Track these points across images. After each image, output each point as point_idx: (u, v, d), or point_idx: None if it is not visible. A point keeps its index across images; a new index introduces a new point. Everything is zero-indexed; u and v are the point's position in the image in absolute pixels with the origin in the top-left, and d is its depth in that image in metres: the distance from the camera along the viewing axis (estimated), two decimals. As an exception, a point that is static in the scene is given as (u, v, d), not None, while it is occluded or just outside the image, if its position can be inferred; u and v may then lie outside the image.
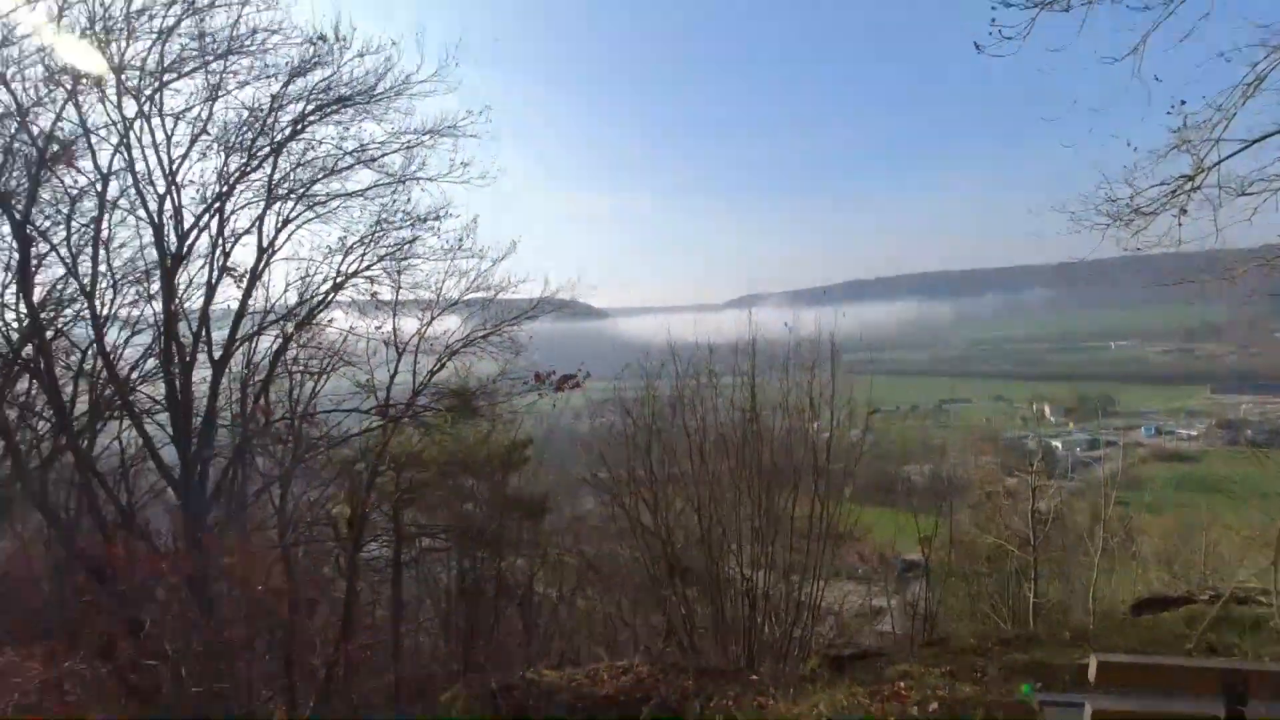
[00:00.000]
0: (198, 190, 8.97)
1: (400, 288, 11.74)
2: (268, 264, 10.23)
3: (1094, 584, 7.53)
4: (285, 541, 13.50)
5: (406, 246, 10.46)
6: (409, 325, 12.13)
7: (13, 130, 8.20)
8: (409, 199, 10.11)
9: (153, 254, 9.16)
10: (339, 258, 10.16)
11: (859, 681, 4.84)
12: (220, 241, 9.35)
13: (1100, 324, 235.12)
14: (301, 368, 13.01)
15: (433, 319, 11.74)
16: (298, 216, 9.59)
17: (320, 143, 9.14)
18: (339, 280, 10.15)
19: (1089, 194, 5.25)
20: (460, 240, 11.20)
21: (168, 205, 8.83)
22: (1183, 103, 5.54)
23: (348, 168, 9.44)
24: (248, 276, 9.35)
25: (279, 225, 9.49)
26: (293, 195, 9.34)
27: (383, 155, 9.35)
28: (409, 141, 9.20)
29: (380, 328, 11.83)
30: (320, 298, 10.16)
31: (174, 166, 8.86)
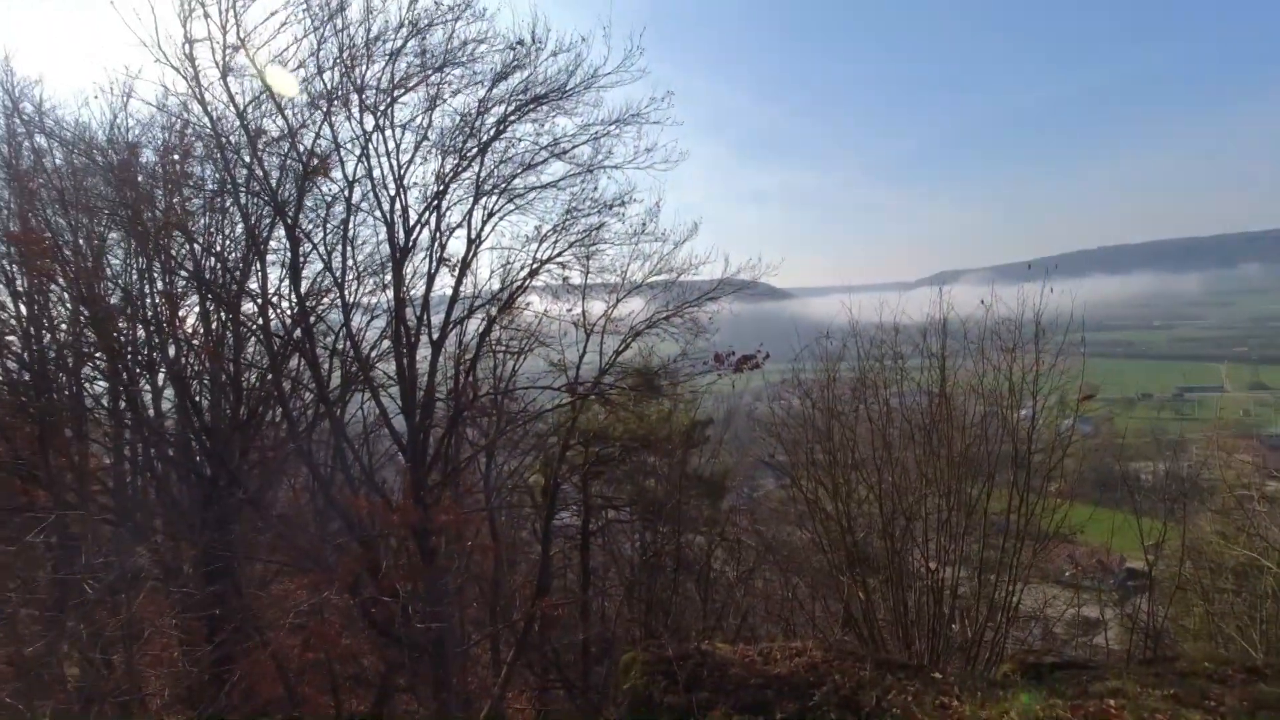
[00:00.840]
0: (420, 191, 10.10)
1: (589, 272, 12.41)
2: (475, 254, 11.28)
3: None
4: (490, 505, 15.03)
5: (594, 233, 10.99)
6: (597, 308, 12.81)
7: (285, 150, 9.79)
8: (596, 187, 10.58)
9: (386, 249, 10.53)
10: (534, 245, 10.90)
11: (1059, 694, 4.27)
12: (438, 235, 10.49)
13: None
14: (504, 348, 14.31)
15: (618, 301, 12.23)
16: (500, 209, 10.47)
17: (519, 140, 9.89)
18: (534, 266, 10.93)
19: None
20: (644, 225, 11.52)
21: (397, 206, 10.05)
22: None
23: (542, 161, 10.12)
24: (459, 266, 10.36)
25: (484, 218, 10.41)
26: (495, 190, 10.20)
27: (573, 147, 9.90)
28: (597, 133, 9.62)
29: (570, 310, 12.59)
30: (518, 283, 10.97)
31: (401, 171, 10.06)
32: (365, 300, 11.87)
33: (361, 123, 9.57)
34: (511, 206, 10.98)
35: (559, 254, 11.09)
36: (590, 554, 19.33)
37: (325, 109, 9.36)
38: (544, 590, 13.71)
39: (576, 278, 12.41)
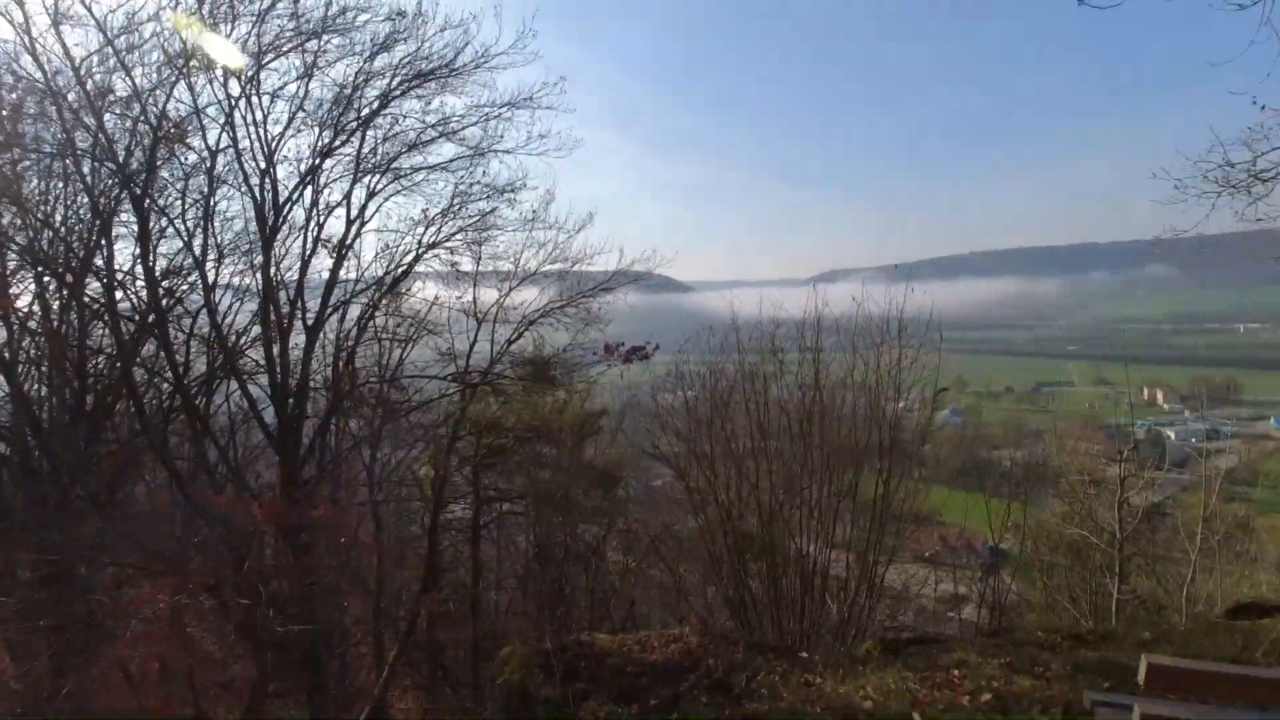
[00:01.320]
0: (293, 165, 9.47)
1: (481, 259, 12.11)
2: (358, 236, 10.74)
3: (1188, 583, 6.88)
4: (374, 499, 14.42)
5: (485, 218, 10.73)
6: (489, 296, 12.54)
7: (135, 113, 8.88)
8: (486, 171, 10.32)
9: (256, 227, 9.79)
10: (421, 229, 10.50)
11: (911, 667, 4.67)
12: (314, 214, 9.88)
13: (1226, 304, 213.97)
14: (390, 335, 13.73)
15: (511, 290, 12.04)
16: (383, 189, 10.01)
17: (404, 117, 9.46)
18: (420, 251, 10.53)
19: (1200, 158, 4.67)
20: (538, 212, 11.38)
21: (267, 180, 9.37)
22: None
23: (430, 141, 9.74)
24: (338, 247, 9.82)
25: (366, 198, 9.90)
26: (378, 169, 9.72)
27: (462, 128, 9.59)
28: (487, 114, 9.36)
29: (461, 298, 12.26)
30: (403, 268, 10.55)
31: (272, 143, 9.38)
32: (235, 281, 11.03)
33: (225, 87, 8.85)
34: (397, 187, 10.54)
35: (448, 239, 10.77)
36: (482, 547, 18.99)
37: (182, 69, 8.58)
38: (431, 586, 13.34)
39: (467, 264, 12.11)
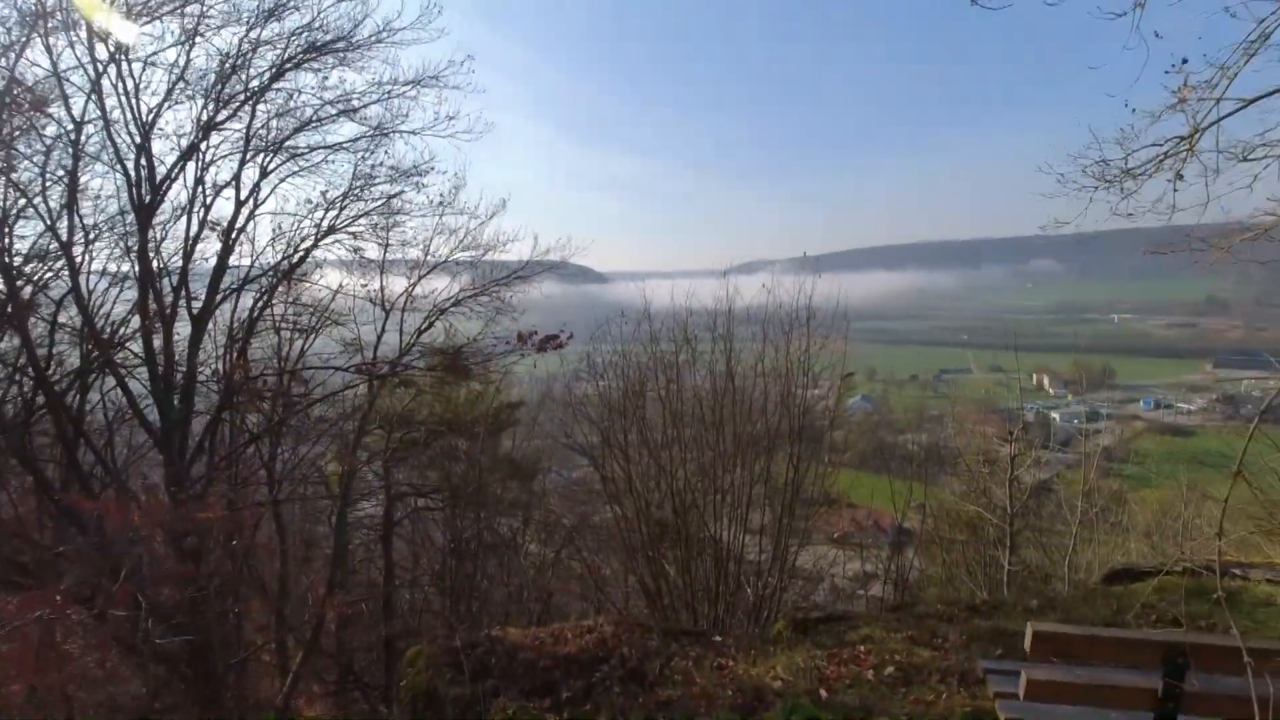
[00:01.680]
0: (174, 141, 8.69)
1: (388, 245, 11.57)
2: (251, 218, 10.02)
3: (1071, 553, 7.47)
4: (274, 497, 13.58)
5: (390, 202, 10.23)
6: (398, 285, 12.01)
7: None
8: (390, 154, 9.82)
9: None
10: (321, 213, 9.89)
11: (820, 645, 4.81)
12: (200, 195, 9.11)
13: (1104, 296, 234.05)
14: (291, 325, 12.92)
15: (420, 278, 11.58)
16: (278, 169, 9.33)
17: (299, 92, 8.83)
18: (319, 235, 9.92)
19: (1079, 154, 4.99)
20: (446, 197, 10.97)
21: (142, 156, 8.54)
22: (1184, 61, 5.28)
23: (329, 119, 9.17)
24: (226, 231, 9.10)
25: (259, 178, 9.21)
26: (271, 148, 9.05)
27: (363, 106, 9.05)
28: (390, 92, 8.87)
29: (367, 286, 11.69)
30: (300, 253, 9.92)
31: (149, 115, 8.57)
32: (112, 268, 10.03)
33: (92, 51, 7.98)
34: (294, 168, 9.88)
35: (350, 223, 10.22)
36: (397, 545, 18.28)
37: (41, 29, 7.68)
38: (338, 587, 12.72)
39: (373, 251, 11.54)
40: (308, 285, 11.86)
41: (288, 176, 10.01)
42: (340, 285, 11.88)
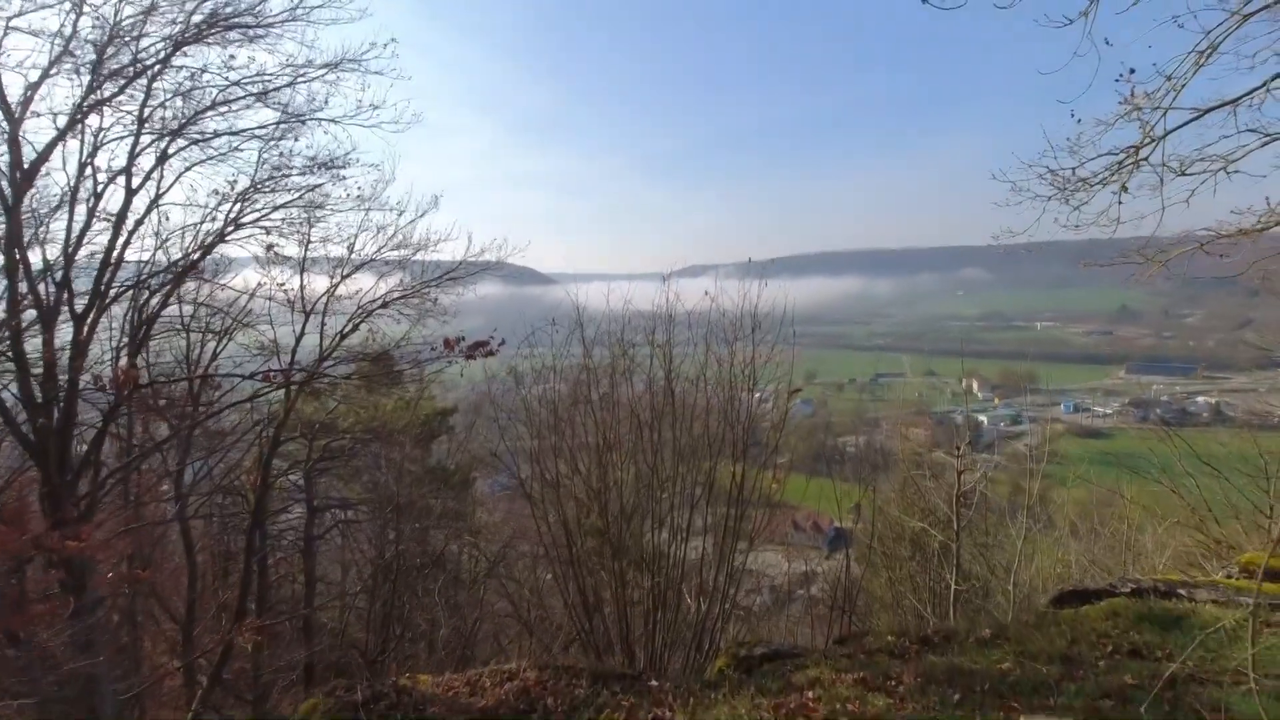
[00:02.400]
0: (51, 119, 7.62)
1: (309, 243, 10.65)
2: (154, 209, 8.97)
3: (1015, 570, 7.25)
4: (179, 514, 12.42)
5: (306, 195, 9.35)
6: (320, 284, 11.11)
7: None
8: (312, 144, 8.94)
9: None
10: (230, 205, 8.94)
11: (764, 690, 4.37)
12: (85, 181, 8.05)
13: (1028, 305, 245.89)
14: (201, 326, 11.82)
15: (343, 278, 10.72)
16: (177, 154, 8.33)
17: (203, 71, 7.88)
18: (225, 229, 8.96)
19: (1033, 162, 4.74)
20: (373, 191, 10.17)
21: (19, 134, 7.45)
22: (1131, 71, 5.13)
23: (236, 101, 8.22)
24: (117, 222, 8.07)
25: (157, 164, 8.21)
26: (169, 131, 8.06)
27: (275, 89, 8.16)
28: (306, 74, 8.02)
29: (284, 286, 10.74)
30: (204, 249, 8.94)
31: (27, 91, 7.49)
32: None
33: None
34: (200, 154, 8.89)
35: (261, 217, 9.27)
36: (327, 560, 17.13)
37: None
38: (248, 610, 11.69)
39: (292, 248, 10.61)
40: (218, 285, 10.85)
41: (195, 164, 9.01)
42: (260, 285, 10.92)
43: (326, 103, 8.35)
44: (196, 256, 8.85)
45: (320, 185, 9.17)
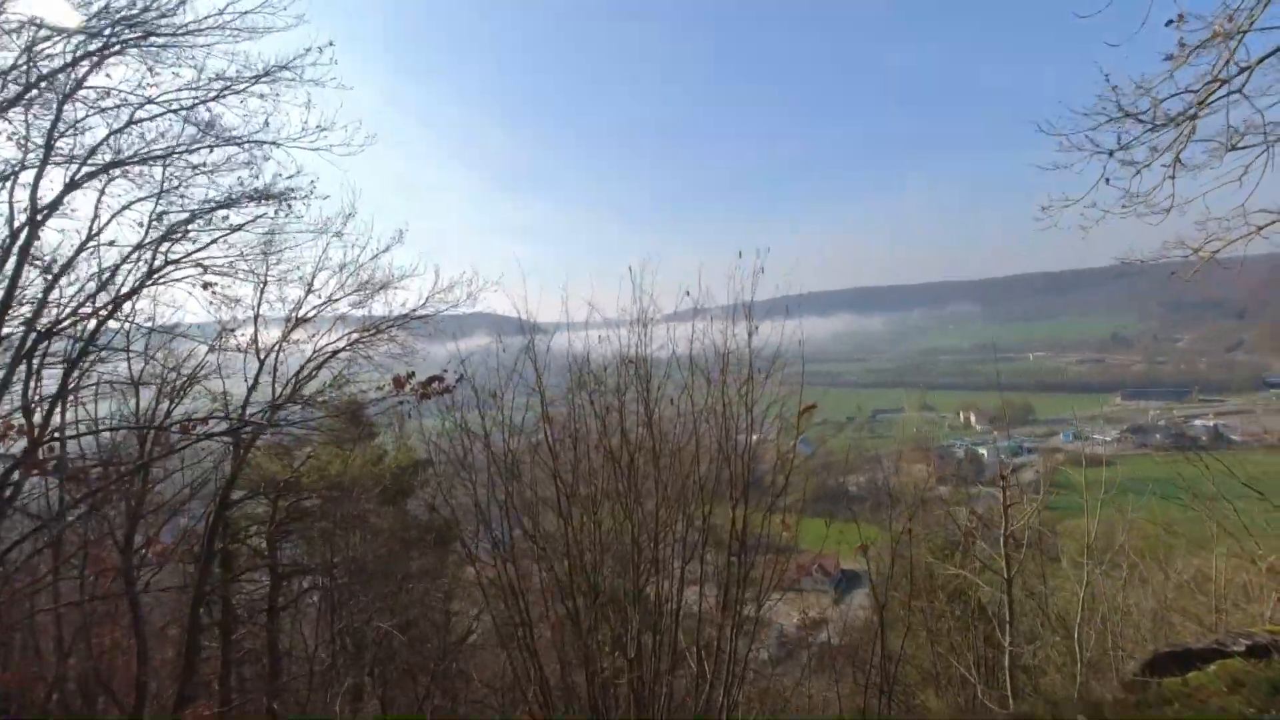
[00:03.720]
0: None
1: (265, 284, 9.63)
2: (86, 247, 7.93)
3: (1078, 626, 6.00)
4: (131, 588, 11.06)
5: (252, 227, 8.33)
6: (272, 325, 10.05)
7: None
8: (260, 173, 7.95)
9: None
10: (160, 238, 7.91)
11: None
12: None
13: (1018, 336, 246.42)
14: (157, 379, 10.71)
15: (296, 323, 9.63)
16: (90, 182, 7.32)
17: (109, 92, 6.92)
18: (156, 265, 7.92)
19: (1090, 109, 3.85)
20: (333, 225, 9.21)
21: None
22: (1180, 17, 4.24)
23: (156, 118, 7.26)
24: (20, 251, 7.01)
25: (65, 190, 7.18)
26: (77, 158, 7.07)
27: (200, 103, 7.21)
28: (230, 87, 7.06)
29: (233, 329, 9.68)
30: (131, 289, 7.88)
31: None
32: None
33: None
34: (130, 189, 7.90)
35: (196, 251, 8.23)
36: (297, 629, 15.62)
37: None
38: (191, 697, 10.20)
39: (247, 290, 9.61)
40: (164, 332, 9.77)
41: (130, 200, 8.03)
42: (219, 338, 9.87)
43: (266, 124, 7.43)
44: (121, 296, 7.78)
45: (262, 216, 8.17)
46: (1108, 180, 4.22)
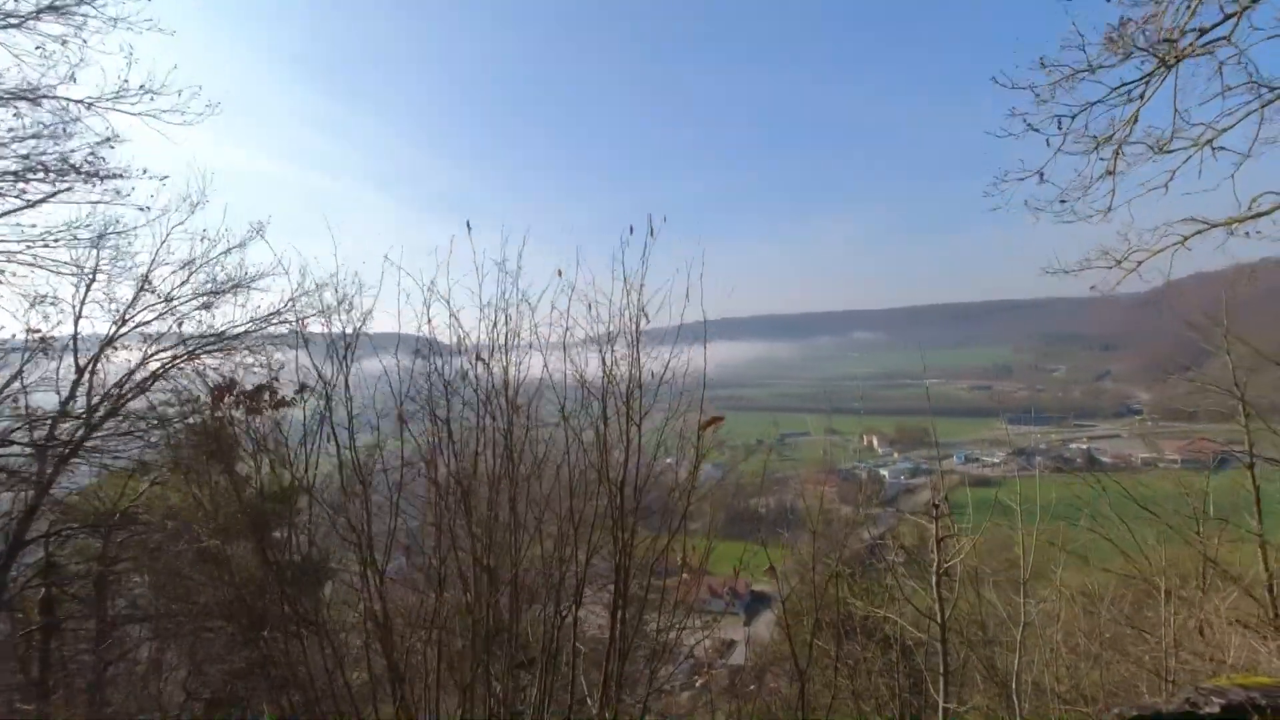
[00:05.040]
0: None
1: (92, 280, 8.20)
2: None
3: (1016, 676, 5.19)
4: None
5: (51, 199, 6.99)
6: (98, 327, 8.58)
7: None
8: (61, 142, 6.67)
9: None
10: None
11: None
12: None
13: (916, 364, 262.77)
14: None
15: (116, 330, 8.24)
16: None
17: None
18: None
19: (1054, 62, 3.73)
20: (172, 211, 7.96)
21: None
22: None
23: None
24: None
25: None
26: None
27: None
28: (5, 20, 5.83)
29: (42, 334, 8.17)
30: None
31: None
32: None
33: None
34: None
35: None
36: (115, 689, 13.51)
37: None
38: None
39: (66, 288, 8.16)
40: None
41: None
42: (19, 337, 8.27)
43: (74, 79, 6.21)
44: None
45: (67, 190, 6.85)
46: (1053, 148, 4.11)
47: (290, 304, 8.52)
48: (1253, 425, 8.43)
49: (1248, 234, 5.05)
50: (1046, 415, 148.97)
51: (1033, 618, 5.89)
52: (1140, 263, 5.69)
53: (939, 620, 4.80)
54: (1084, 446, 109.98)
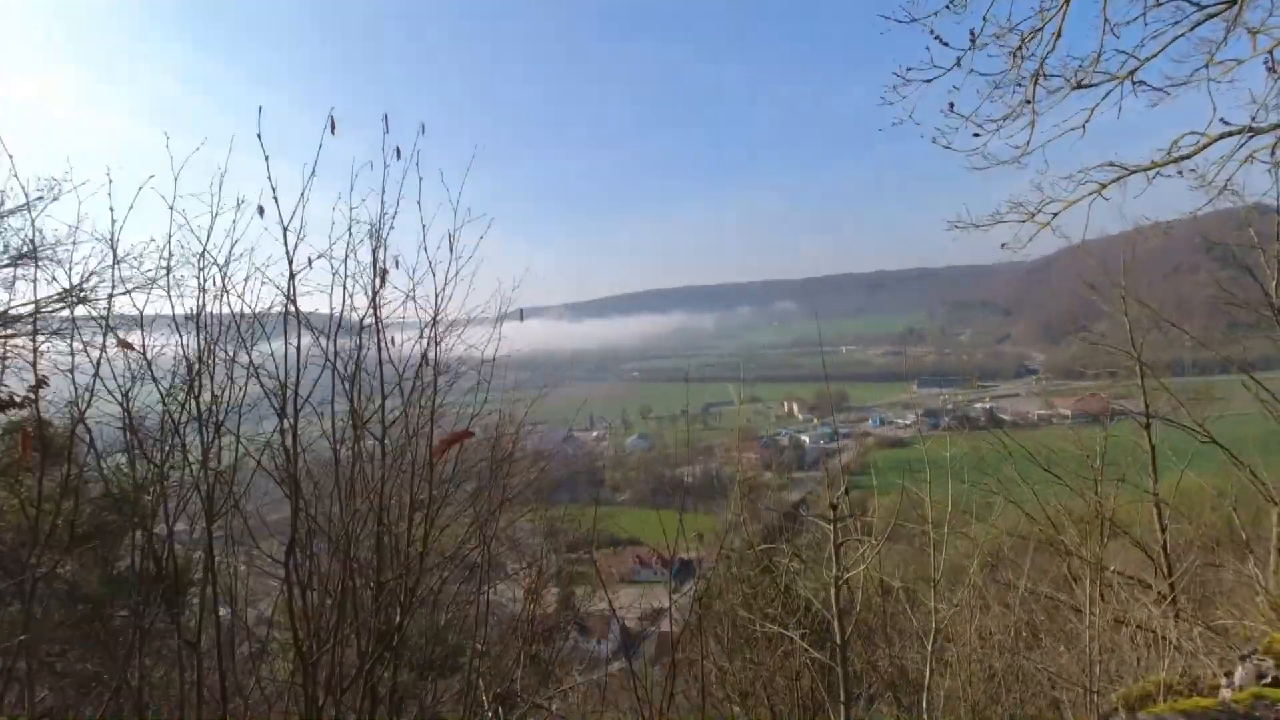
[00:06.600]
0: None
1: None
2: None
3: (927, 690, 5.03)
4: None
5: None
6: None
7: None
8: None
9: None
10: None
11: None
12: None
13: (832, 331, 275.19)
14: None
15: None
16: None
17: None
18: None
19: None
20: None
21: None
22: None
23: None
24: None
25: None
26: None
27: None
28: None
29: None
30: None
31: None
32: None
33: None
34: None
35: None
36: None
37: None
38: None
39: None
40: None
41: None
42: None
43: None
44: None
45: None
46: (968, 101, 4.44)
47: (90, 275, 5.81)
48: (1148, 384, 8.42)
49: (1170, 176, 4.69)
50: (953, 378, 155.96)
51: (945, 622, 5.57)
52: (1055, 214, 5.31)
53: (838, 639, 4.42)
54: (987, 406, 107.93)
